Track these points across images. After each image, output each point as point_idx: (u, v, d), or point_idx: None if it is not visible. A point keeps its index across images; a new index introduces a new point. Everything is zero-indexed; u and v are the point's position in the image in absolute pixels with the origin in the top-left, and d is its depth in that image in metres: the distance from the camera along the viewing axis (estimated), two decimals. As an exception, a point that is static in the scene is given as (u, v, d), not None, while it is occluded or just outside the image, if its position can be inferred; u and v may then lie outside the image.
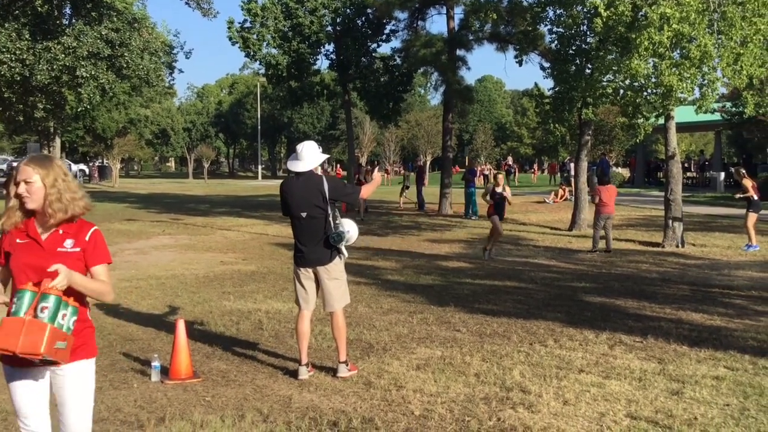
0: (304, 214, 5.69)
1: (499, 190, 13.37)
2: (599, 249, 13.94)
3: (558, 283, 10.53)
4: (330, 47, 26.30)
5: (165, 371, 5.84)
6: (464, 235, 17.68)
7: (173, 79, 33.95)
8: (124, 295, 9.51)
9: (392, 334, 7.22)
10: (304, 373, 5.81)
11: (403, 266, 12.25)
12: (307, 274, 5.86)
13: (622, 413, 4.89)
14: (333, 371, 5.91)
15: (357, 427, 4.67)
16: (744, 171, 15.66)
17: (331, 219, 5.69)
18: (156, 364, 5.81)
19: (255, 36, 24.50)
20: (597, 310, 8.41)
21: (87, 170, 57.89)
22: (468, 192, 22.79)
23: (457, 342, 6.94)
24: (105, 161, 57.87)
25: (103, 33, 24.67)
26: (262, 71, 26.99)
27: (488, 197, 13.45)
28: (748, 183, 14.54)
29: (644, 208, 23.03)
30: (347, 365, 5.89)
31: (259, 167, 76.08)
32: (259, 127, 71.38)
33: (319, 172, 5.90)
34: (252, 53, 24.58)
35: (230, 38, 24.32)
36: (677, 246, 14.38)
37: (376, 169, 7.03)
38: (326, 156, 6.22)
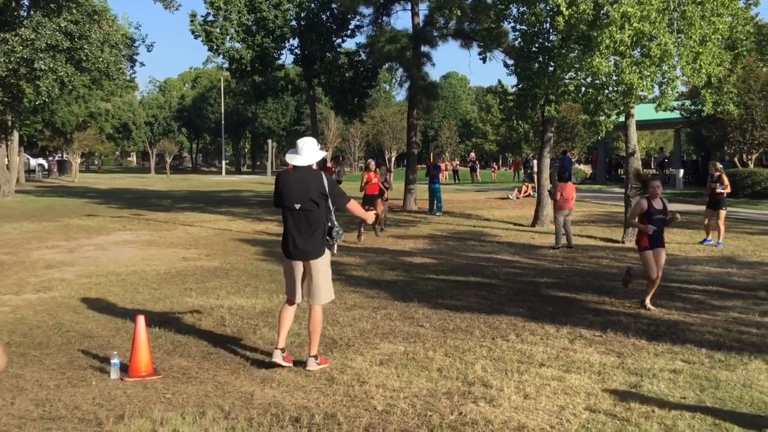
0: (297, 206, 5.79)
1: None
2: (561, 245, 14.11)
3: (521, 279, 10.63)
4: (294, 42, 26.14)
5: (125, 368, 5.76)
6: (429, 230, 17.72)
7: (134, 73, 33.44)
8: (84, 292, 9.37)
9: (356, 330, 7.22)
10: (278, 356, 5.84)
11: (367, 262, 12.24)
12: (295, 267, 5.92)
13: (581, 406, 4.96)
14: (302, 364, 5.90)
15: (319, 423, 4.66)
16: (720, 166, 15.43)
17: (332, 214, 5.86)
18: (115, 361, 5.72)
19: (218, 30, 24.23)
20: (558, 305, 8.51)
21: (46, 165, 56.83)
22: (432, 188, 22.86)
23: (420, 337, 6.97)
24: (64, 156, 56.86)
25: (62, 25, 24.16)
26: (226, 65, 26.73)
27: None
28: (725, 178, 14.61)
29: (605, 205, 23.36)
30: (317, 359, 5.92)
31: (223, 162, 75.39)
32: (222, 122, 70.74)
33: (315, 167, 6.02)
34: (215, 47, 24.31)
35: (193, 32, 24.03)
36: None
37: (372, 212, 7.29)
38: (325, 153, 6.32)
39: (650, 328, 7.28)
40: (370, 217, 6.70)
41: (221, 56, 25.49)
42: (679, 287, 9.76)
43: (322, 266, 5.88)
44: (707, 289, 9.62)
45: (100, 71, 26.05)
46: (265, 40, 24.48)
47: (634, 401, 5.03)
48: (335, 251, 6.04)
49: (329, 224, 5.85)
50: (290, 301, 6.03)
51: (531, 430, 4.54)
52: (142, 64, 73.68)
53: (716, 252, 13.28)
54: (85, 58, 25.10)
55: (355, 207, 6.28)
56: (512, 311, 8.16)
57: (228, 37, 24.56)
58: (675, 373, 5.68)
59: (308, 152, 5.90)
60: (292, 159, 5.93)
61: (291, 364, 5.92)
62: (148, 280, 10.32)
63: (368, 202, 15.51)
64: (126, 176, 60.15)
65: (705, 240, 14.32)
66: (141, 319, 5.83)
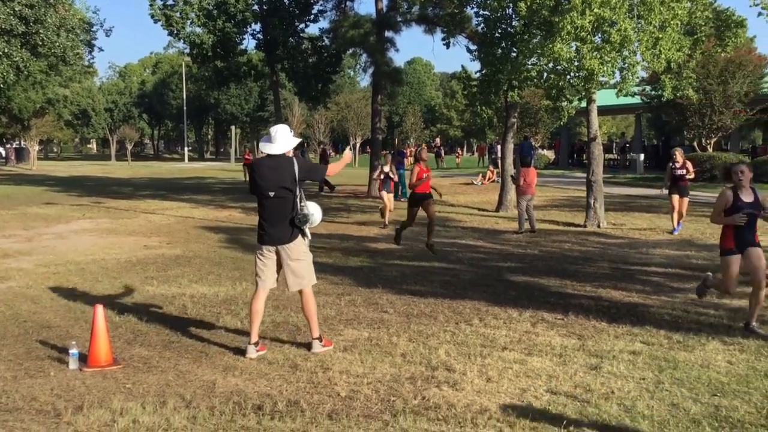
0: (271, 194, 5.79)
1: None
2: (525, 230, 14.22)
3: (484, 264, 10.69)
4: (257, 27, 25.83)
5: (84, 359, 5.67)
6: (394, 216, 17.71)
7: (93, 58, 32.67)
8: (42, 281, 9.19)
9: (319, 317, 7.11)
10: (253, 351, 5.82)
11: (331, 248, 12.21)
12: (268, 254, 5.92)
13: (542, 389, 5.01)
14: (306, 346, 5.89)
15: (282, 410, 4.64)
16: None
17: (297, 200, 5.83)
18: (74, 351, 5.62)
19: (178, 14, 23.81)
20: (521, 289, 8.59)
21: (3, 152, 55.57)
22: (397, 174, 22.84)
23: (385, 323, 6.97)
24: (22, 143, 55.62)
25: (16, 9, 23.53)
26: (187, 50, 26.32)
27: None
28: (690, 165, 14.09)
29: (568, 189, 23.62)
30: (321, 341, 5.99)
31: (186, 149, 74.40)
32: (184, 108, 69.76)
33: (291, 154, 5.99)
34: (175, 32, 23.89)
35: (152, 16, 23.58)
36: (598, 226, 14.81)
37: (347, 149, 7.27)
38: (299, 140, 6.31)
39: (611, 310, 7.38)
40: (347, 157, 6.72)
41: (182, 41, 25.11)
42: (638, 270, 9.91)
43: (298, 251, 5.88)
44: (667, 271, 9.78)
45: (57, 56, 25.45)
46: (226, 24, 24.14)
47: (594, 383, 5.09)
48: (309, 237, 5.99)
49: (293, 212, 5.80)
50: (263, 289, 5.98)
51: (493, 413, 4.57)
52: (101, 49, 72.10)
53: (675, 235, 13.50)
54: (41, 43, 24.51)
55: (332, 169, 6.49)
56: (476, 296, 8.21)
57: (188, 22, 24.16)
58: (634, 354, 5.77)
59: (281, 140, 5.89)
60: (266, 147, 5.91)
61: (264, 352, 5.91)
62: (108, 269, 10.16)
63: (416, 203, 11.56)
64: (86, 163, 59.06)
65: (675, 229, 13.75)
66: (99, 309, 5.73)
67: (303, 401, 4.80)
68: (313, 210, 5.94)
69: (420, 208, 11.50)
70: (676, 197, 13.69)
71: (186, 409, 4.67)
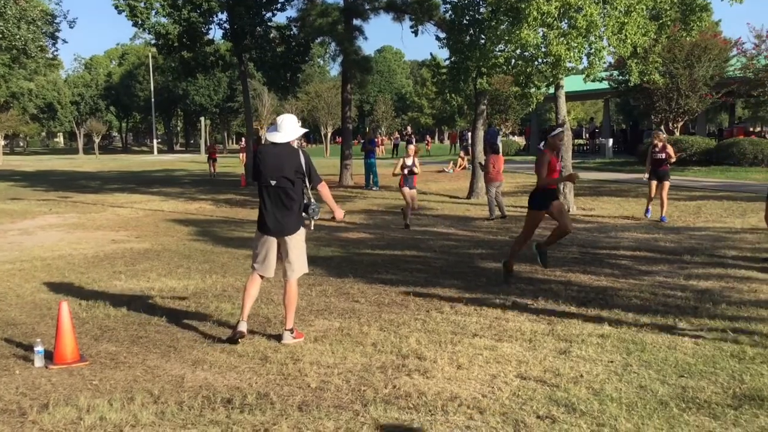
0: (273, 182, 5.80)
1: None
2: (495, 216, 14.28)
3: (456, 251, 10.72)
4: (223, 16, 25.52)
5: (50, 356, 5.56)
6: (365, 205, 17.71)
7: (57, 50, 32.06)
8: (7, 278, 9.02)
9: (290, 308, 7.14)
10: (244, 327, 5.89)
11: (302, 239, 12.12)
12: (268, 242, 5.92)
13: (512, 374, 5.03)
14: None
15: (252, 403, 4.60)
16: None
17: (308, 190, 5.87)
18: (39, 348, 5.52)
19: (142, 4, 23.43)
20: (492, 276, 8.62)
21: (-34, 148, 54.38)
22: (368, 163, 22.82)
23: (356, 313, 6.95)
24: (-14, 138, 54.47)
25: (-26, 1, 23.01)
26: (153, 41, 25.92)
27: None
28: (671, 148, 13.64)
29: (538, 175, 23.72)
30: (293, 332, 5.95)
31: (155, 141, 73.58)
32: (152, 100, 68.93)
33: (296, 145, 5.98)
34: (140, 22, 23.51)
35: (116, 6, 23.17)
36: (568, 211, 14.90)
37: (340, 213, 6.41)
38: (305, 130, 6.28)
39: (580, 294, 7.43)
40: (338, 213, 6.29)
41: (147, 32, 24.75)
42: (607, 254, 10.00)
43: (297, 242, 5.91)
44: (635, 254, 9.88)
45: (18, 49, 24.91)
46: (192, 14, 23.81)
47: (563, 367, 5.13)
48: (312, 228, 6.05)
49: (305, 201, 5.87)
50: (258, 274, 6.01)
51: (463, 400, 4.57)
52: (65, 41, 70.97)
53: (645, 220, 13.65)
54: (0, 36, 23.97)
55: (324, 191, 6.06)
56: (447, 283, 8.22)
57: (153, 12, 23.76)
58: (603, 337, 5.82)
59: (287, 129, 5.89)
60: (272, 136, 5.92)
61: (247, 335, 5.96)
62: (75, 265, 10.01)
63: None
64: (53, 158, 58.14)
65: (647, 211, 13.67)
66: (64, 305, 5.63)
67: (273, 393, 4.76)
68: (315, 202, 5.99)
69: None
70: (654, 183, 13.27)
71: (154, 405, 4.61)
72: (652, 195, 13.45)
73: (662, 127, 27.62)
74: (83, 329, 6.48)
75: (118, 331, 6.47)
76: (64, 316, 5.57)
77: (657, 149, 13.30)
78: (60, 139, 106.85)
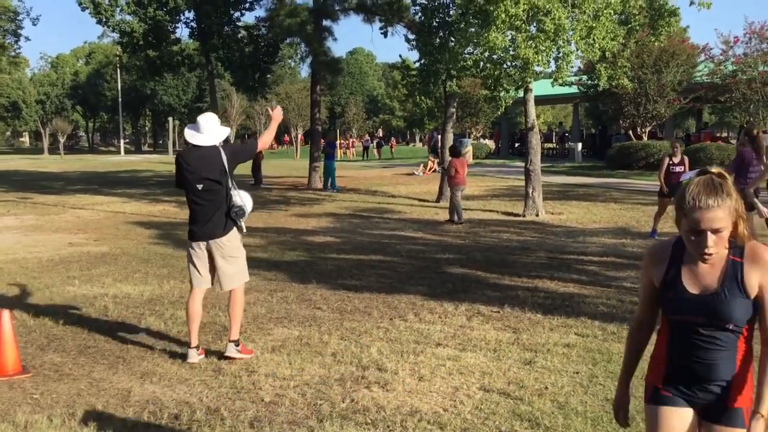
0: (200, 187, 5.46)
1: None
2: (462, 220, 14.11)
3: (423, 256, 10.54)
4: (190, 15, 25.12)
5: (-11, 368, 5.26)
6: (333, 208, 17.47)
7: (19, 48, 31.30)
8: (-47, 284, 8.64)
9: (249, 315, 6.87)
10: (194, 356, 5.48)
11: (268, 242, 11.88)
12: (200, 251, 5.57)
13: (475, 386, 4.85)
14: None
15: (200, 419, 4.36)
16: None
17: (231, 192, 5.51)
18: (-23, 361, 5.21)
19: (107, 1, 22.95)
20: (458, 282, 8.45)
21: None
22: (326, 164, 22.63)
23: (317, 320, 6.73)
24: (-54, 136, 53.23)
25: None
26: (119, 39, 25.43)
27: None
28: (687, 160, 11.68)
29: (508, 179, 23.70)
30: (237, 345, 5.58)
31: (122, 141, 72.46)
32: (120, 99, 67.84)
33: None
34: (104, 19, 23.02)
35: (80, 3, 22.67)
36: (537, 215, 14.84)
37: (275, 106, 6.27)
38: (228, 129, 5.90)
39: (546, 301, 7.29)
40: (276, 114, 5.94)
41: (111, 29, 24.25)
42: (575, 259, 9.89)
43: (229, 246, 5.54)
44: (602, 260, 9.78)
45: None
46: (158, 12, 23.39)
47: (527, 378, 4.96)
48: (244, 231, 5.66)
49: (229, 204, 5.50)
50: (198, 289, 5.65)
51: (424, 415, 4.38)
52: (27, 39, 69.72)
53: (611, 223, 13.61)
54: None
55: (264, 140, 6.13)
56: (412, 290, 8.03)
57: (118, 9, 23.30)
58: (569, 347, 5.67)
59: (211, 130, 5.54)
60: (193, 137, 5.54)
61: (203, 356, 5.58)
62: (29, 269, 9.64)
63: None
64: (17, 157, 56.88)
65: (654, 232, 11.57)
66: (6, 314, 5.34)
67: (224, 408, 4.53)
68: (245, 200, 5.60)
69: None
70: (666, 200, 11.30)
71: (96, 421, 4.35)
72: (663, 212, 11.61)
73: (630, 132, 27.80)
74: (30, 338, 6.18)
75: (66, 340, 6.17)
76: (6, 325, 5.29)
77: (675, 161, 11.47)
78: (26, 139, 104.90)
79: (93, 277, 9.00)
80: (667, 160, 11.56)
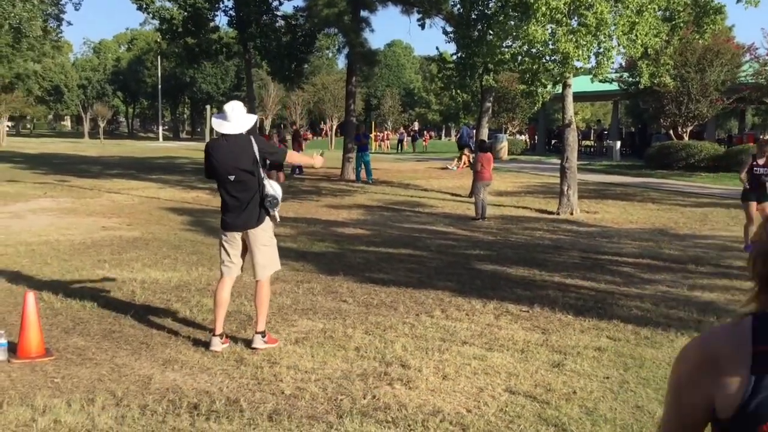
0: (232, 178, 5.39)
1: None
2: (486, 217, 13.87)
3: (452, 251, 10.39)
4: (229, 3, 25.18)
5: (14, 349, 5.27)
6: (365, 200, 17.39)
7: (61, 32, 31.63)
8: (-14, 264, 8.73)
9: (274, 306, 6.79)
10: (218, 344, 5.45)
11: (298, 233, 11.84)
12: (233, 240, 5.53)
13: (501, 388, 4.72)
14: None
15: (219, 409, 4.29)
16: None
17: (266, 182, 5.47)
18: (2, 341, 5.22)
19: (148, -13, 23.13)
20: (487, 279, 8.29)
21: (-30, 128, 54.16)
22: (359, 157, 22.55)
23: (342, 313, 6.64)
24: (-9, 118, 54.28)
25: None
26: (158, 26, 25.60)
27: None
28: None
29: (543, 175, 23.38)
30: (264, 336, 5.53)
31: (160, 128, 73.28)
32: (159, 86, 68.61)
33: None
34: (144, 6, 23.16)
35: (121, -11, 22.87)
36: (571, 213, 14.58)
37: (320, 153, 6.29)
38: (256, 117, 5.85)
39: (578, 302, 7.11)
40: (317, 161, 6.04)
41: (151, 16, 24.39)
42: (609, 260, 9.67)
43: (263, 236, 5.49)
44: (638, 261, 9.54)
45: (12, 27, 24.58)
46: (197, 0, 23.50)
47: (555, 382, 4.81)
48: (278, 220, 5.64)
49: (262, 194, 5.44)
50: (228, 277, 5.60)
51: (446, 415, 4.26)
52: (69, 23, 70.60)
53: (648, 224, 13.30)
54: (-3, 13, 23.65)
55: (294, 158, 6.01)
56: (440, 285, 7.90)
57: (158, -5, 23.49)
58: (599, 350, 5.49)
59: (238, 118, 5.46)
60: (221, 126, 5.46)
61: (227, 345, 5.54)
62: (60, 251, 9.71)
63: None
64: (58, 141, 57.91)
65: (748, 246, 9.73)
66: (30, 296, 5.34)
67: (243, 400, 4.46)
68: (276, 189, 5.54)
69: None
70: (753, 204, 10.16)
71: (115, 408, 4.31)
72: (752, 220, 10.12)
73: (671, 131, 27.20)
74: (55, 321, 6.19)
75: (91, 324, 6.17)
76: (30, 307, 5.28)
77: (760, 163, 10.21)
78: (67, 123, 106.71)
79: (123, 261, 9.03)
80: (751, 160, 10.40)
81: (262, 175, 5.48)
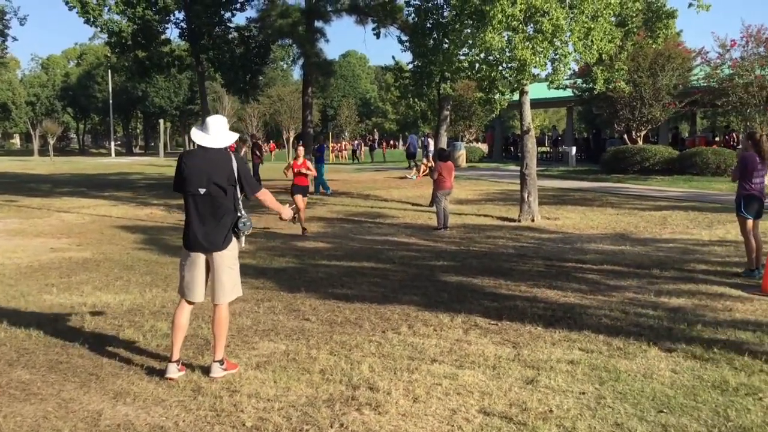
0: (202, 191, 5.04)
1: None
2: (449, 225, 13.73)
3: (416, 263, 10.18)
4: (180, 15, 24.69)
5: (-49, 387, 4.88)
6: (324, 212, 17.11)
7: (6, 48, 30.67)
8: (-76, 292, 8.23)
9: (234, 327, 6.49)
10: (174, 371, 5.11)
11: (256, 248, 11.52)
12: (196, 260, 5.15)
13: (474, 409, 4.50)
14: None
15: (175, 446, 3.99)
16: None
17: (238, 202, 5.13)
18: (-63, 379, 4.83)
19: (95, 0, 22.51)
20: (454, 291, 8.10)
21: None
22: (316, 168, 22.28)
23: (305, 333, 6.36)
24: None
25: None
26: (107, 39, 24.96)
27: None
28: None
29: (502, 182, 23.40)
30: (222, 364, 5.21)
31: (112, 144, 71.88)
32: (110, 101, 67.33)
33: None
34: (92, 19, 22.56)
35: (67, 2, 22.21)
36: (532, 220, 14.51)
37: (291, 207, 6.02)
38: (237, 135, 5.52)
39: (546, 313, 6.95)
40: (285, 212, 5.77)
41: (99, 29, 23.77)
42: (574, 267, 9.56)
43: (228, 260, 5.15)
44: (602, 268, 9.46)
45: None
46: (147, 12, 22.95)
47: (530, 400, 4.61)
48: (243, 244, 5.27)
49: (237, 214, 5.13)
50: (188, 302, 5.24)
51: (419, 441, 4.03)
52: (15, 39, 68.83)
53: (609, 229, 13.29)
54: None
55: (266, 197, 5.46)
56: (406, 299, 7.67)
57: (106, 8, 22.85)
58: (573, 364, 5.32)
59: (220, 133, 5.16)
60: (201, 139, 5.14)
61: (184, 373, 5.21)
62: (5, 276, 9.23)
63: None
64: (6, 159, 56.34)
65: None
66: (-32, 329, 4.96)
67: (201, 434, 4.16)
68: (246, 214, 5.24)
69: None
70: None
71: (61, 450, 3.98)
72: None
73: (624, 136, 27.50)
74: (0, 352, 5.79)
75: (37, 354, 5.78)
76: (-32, 341, 4.89)
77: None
78: (16, 140, 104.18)
79: (72, 284, 8.61)
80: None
81: (239, 197, 5.18)
